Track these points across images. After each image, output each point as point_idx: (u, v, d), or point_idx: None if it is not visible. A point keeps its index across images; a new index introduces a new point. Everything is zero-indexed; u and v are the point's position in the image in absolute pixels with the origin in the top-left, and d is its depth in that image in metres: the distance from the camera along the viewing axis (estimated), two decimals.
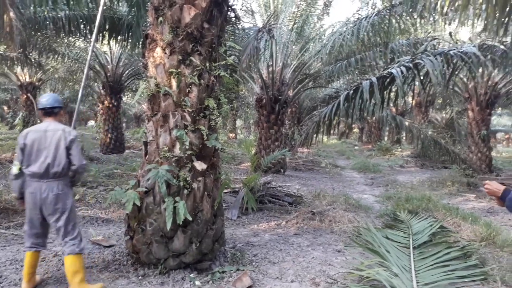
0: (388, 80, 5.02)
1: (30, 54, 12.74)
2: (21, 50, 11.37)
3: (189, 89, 3.76)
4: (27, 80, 18.42)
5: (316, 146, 27.64)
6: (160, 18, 3.78)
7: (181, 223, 3.54)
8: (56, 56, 13.44)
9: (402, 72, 4.80)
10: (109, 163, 11.24)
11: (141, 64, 3.98)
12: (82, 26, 9.73)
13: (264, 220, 6.18)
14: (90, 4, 8.73)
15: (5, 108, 34.36)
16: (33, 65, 13.94)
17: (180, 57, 3.73)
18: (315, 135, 5.19)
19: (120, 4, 9.58)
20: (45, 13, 9.19)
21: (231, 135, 31.00)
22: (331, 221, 6.16)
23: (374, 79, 4.95)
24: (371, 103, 4.94)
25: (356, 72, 12.17)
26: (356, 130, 41.39)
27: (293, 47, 12.24)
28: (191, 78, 3.71)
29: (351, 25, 9.28)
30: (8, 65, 14.35)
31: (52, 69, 17.24)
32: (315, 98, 19.66)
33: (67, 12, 9.37)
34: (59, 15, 9.37)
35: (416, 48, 9.69)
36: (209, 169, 3.91)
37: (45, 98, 3.50)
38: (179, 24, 3.74)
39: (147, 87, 3.86)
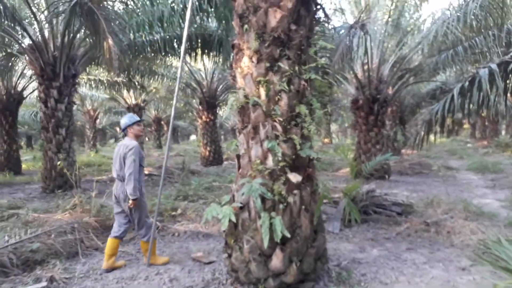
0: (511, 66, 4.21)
1: (133, 77, 13.80)
2: (125, 74, 12.42)
3: (278, 97, 3.51)
4: (133, 102, 20.11)
5: (423, 147, 25.60)
6: (246, 26, 3.60)
7: (279, 241, 3.28)
8: (156, 77, 14.38)
9: None
10: (208, 176, 11.57)
11: (230, 76, 3.83)
12: (176, 46, 10.20)
13: (370, 233, 5.64)
14: (182, 24, 9.10)
15: (118, 129, 38.19)
16: (137, 87, 15.08)
17: (267, 64, 3.50)
18: (426, 136, 4.56)
19: (209, 20, 9.84)
20: (143, 37, 9.81)
21: (326, 140, 30.31)
22: (449, 232, 5.39)
23: (493, 66, 4.19)
24: (491, 94, 4.18)
25: (465, 61, 10.88)
26: (466, 126, 37.54)
27: (390, 41, 11.37)
28: (280, 85, 3.46)
29: (455, 10, 8.27)
30: (116, 89, 15.75)
31: (154, 90, 18.56)
32: (418, 95, 18.16)
33: (162, 34, 9.91)
34: (155, 38, 9.96)
35: None
36: (305, 181, 3.60)
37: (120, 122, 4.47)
38: (265, 29, 3.52)
39: (236, 99, 3.71)
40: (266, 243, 3.25)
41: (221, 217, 3.41)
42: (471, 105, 4.30)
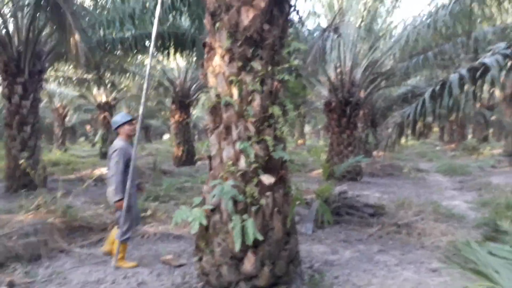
0: (480, 71, 4.30)
1: (104, 75, 13.45)
2: (95, 71, 12.07)
3: (251, 97, 3.44)
4: (104, 100, 19.62)
5: (394, 149, 26.14)
6: (217, 24, 3.51)
7: (251, 244, 3.21)
8: (127, 75, 14.06)
9: (497, 61, 4.06)
10: (180, 176, 11.37)
11: (202, 75, 3.74)
12: (147, 44, 9.98)
13: (342, 235, 5.66)
14: (153, 21, 8.86)
15: (88, 127, 37.20)
16: (107, 85, 14.71)
17: (240, 64, 3.43)
18: (398, 138, 4.60)
19: (182, 19, 9.67)
20: (113, 35, 9.54)
21: (299, 142, 30.50)
22: (420, 234, 5.47)
23: (464, 71, 4.26)
24: (461, 99, 4.26)
25: (435, 67, 11.16)
26: (435, 129, 38.65)
27: (362, 45, 11.53)
28: (253, 85, 3.39)
29: (425, 17, 8.46)
30: (86, 86, 15.31)
31: (125, 88, 18.17)
32: (389, 98, 18.52)
33: (133, 32, 9.67)
34: (126, 36, 9.70)
35: (504, 35, 8.59)
36: (278, 183, 3.54)
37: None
38: (237, 28, 3.44)
39: (208, 98, 3.62)
40: (237, 246, 3.17)
41: (191, 220, 3.31)
42: (441, 109, 4.36)
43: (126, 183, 4.12)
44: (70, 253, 4.81)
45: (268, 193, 3.44)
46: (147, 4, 8.45)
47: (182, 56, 11.36)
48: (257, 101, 3.41)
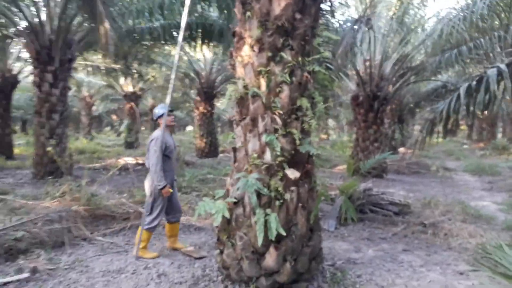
0: None
1: (131, 65, 13.56)
2: (123, 61, 12.19)
3: (279, 88, 3.35)
4: (130, 90, 19.84)
5: (423, 146, 25.46)
6: (248, 13, 3.43)
7: (273, 239, 3.14)
8: (154, 65, 14.12)
9: None
10: (203, 167, 11.41)
11: (230, 65, 3.67)
12: (175, 34, 9.98)
13: (366, 233, 5.53)
14: (182, 11, 8.86)
15: (114, 117, 37.84)
16: (134, 75, 14.83)
17: (269, 54, 3.34)
18: (429, 135, 4.42)
19: (211, 9, 9.62)
20: (143, 24, 9.58)
21: (322, 136, 30.17)
22: (447, 234, 5.28)
23: (503, 66, 4.05)
24: (498, 95, 4.05)
25: (469, 62, 10.72)
26: (463, 127, 37.49)
27: (393, 38, 11.20)
28: (282, 76, 3.30)
29: (461, 9, 8.11)
30: (113, 76, 15.48)
31: (152, 79, 18.31)
32: (417, 94, 17.99)
33: (162, 22, 9.68)
34: (155, 25, 9.72)
35: None
36: (303, 178, 3.45)
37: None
38: (268, 17, 3.35)
39: (235, 89, 3.55)
40: (260, 241, 3.11)
41: (214, 212, 3.26)
42: (476, 106, 4.17)
43: (165, 172, 4.18)
44: (93, 241, 4.86)
45: (292, 188, 3.36)
46: None
47: (209, 47, 11.31)
48: (285, 93, 3.32)
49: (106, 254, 4.44)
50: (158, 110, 4.41)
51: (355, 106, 11.52)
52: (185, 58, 15.34)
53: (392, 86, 11.67)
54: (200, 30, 9.97)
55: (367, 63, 10.96)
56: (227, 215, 3.27)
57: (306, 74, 3.36)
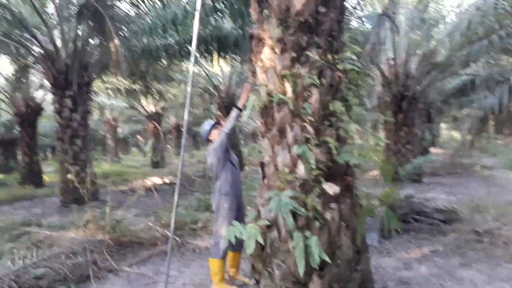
0: None
1: (151, 84, 13.47)
2: (142, 81, 12.08)
3: (308, 92, 2.95)
4: (153, 109, 19.85)
5: (450, 144, 24.40)
6: (265, 11, 3.06)
7: (316, 266, 2.71)
8: (173, 83, 14.00)
9: None
10: None
11: (250, 72, 3.29)
12: (191, 49, 9.73)
13: (413, 245, 4.99)
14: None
15: (139, 138, 38.14)
16: (154, 94, 14.76)
17: (293, 55, 2.95)
18: (480, 133, 3.91)
19: (224, 20, 9.36)
20: (157, 42, 9.41)
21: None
22: (507, 243, 4.70)
23: None
24: None
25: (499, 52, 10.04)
26: (493, 122, 35.88)
27: (417, 33, 10.63)
28: (310, 78, 2.89)
29: None
30: (134, 97, 15.44)
31: (172, 97, 18.24)
32: (443, 91, 17.16)
33: (177, 38, 9.47)
34: (170, 42, 9.52)
35: None
36: (344, 192, 3.01)
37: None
38: (288, 13, 2.97)
39: (258, 97, 3.17)
40: (301, 269, 2.69)
41: (246, 239, 2.86)
42: None
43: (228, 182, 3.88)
44: (119, 273, 4.53)
45: (333, 205, 2.93)
46: (189, 8, 8.18)
47: (225, 59, 11.04)
48: (315, 97, 2.91)
49: (133, 286, 4.09)
50: (203, 129, 4.17)
51: (383, 107, 10.97)
52: (202, 73, 15.18)
53: (419, 84, 11.06)
54: (215, 43, 9.71)
55: (392, 62, 10.43)
56: (261, 240, 2.86)
57: (338, 73, 2.94)
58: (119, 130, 28.32)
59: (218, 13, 8.29)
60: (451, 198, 7.88)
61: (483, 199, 7.14)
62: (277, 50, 3.01)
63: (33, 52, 9.30)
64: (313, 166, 2.85)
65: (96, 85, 14.39)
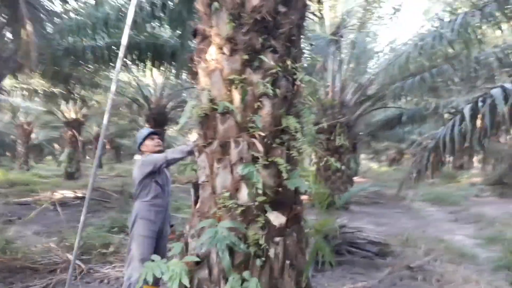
0: None
1: (73, 89, 12.35)
2: (64, 85, 10.94)
3: (259, 103, 2.49)
4: (72, 116, 18.35)
5: (367, 174, 25.53)
6: (215, 4, 2.58)
7: None
8: (99, 90, 13.01)
9: None
10: None
11: (189, 74, 2.75)
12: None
13: (348, 280, 4.68)
14: (132, 30, 7.90)
15: (56, 145, 35.16)
16: (77, 100, 13.55)
17: (245, 57, 2.49)
18: (435, 165, 3.75)
19: (161, 28, 8.76)
20: (84, 42, 8.51)
21: None
22: (439, 281, 4.58)
23: (509, 85, 3.51)
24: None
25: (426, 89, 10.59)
26: (407, 155, 38.65)
27: (354, 64, 10.91)
28: (263, 86, 2.44)
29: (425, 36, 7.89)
30: (54, 101, 14.11)
31: (96, 104, 16.97)
32: (371, 123, 17.94)
33: (107, 40, 8.63)
34: (98, 44, 8.64)
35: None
36: (291, 224, 2.56)
37: None
38: (243, 9, 2.52)
39: (197, 104, 2.64)
40: None
41: (168, 279, 2.27)
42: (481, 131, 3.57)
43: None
44: None
45: (277, 239, 2.46)
46: (124, 10, 7.46)
47: (159, 69, 10.35)
48: (267, 109, 2.45)
49: None
50: (138, 136, 3.79)
51: (317, 133, 10.96)
52: (133, 82, 14.26)
53: (353, 113, 11.30)
54: (149, 52, 9.01)
55: (329, 89, 10.54)
56: (186, 282, 2.28)
57: (297, 84, 2.52)
58: (33, 135, 25.76)
59: (156, 20, 7.69)
60: (378, 229, 7.86)
61: (408, 231, 7.19)
62: (226, 50, 2.52)
63: None
64: (259, 191, 2.37)
65: (10, 83, 12.81)
